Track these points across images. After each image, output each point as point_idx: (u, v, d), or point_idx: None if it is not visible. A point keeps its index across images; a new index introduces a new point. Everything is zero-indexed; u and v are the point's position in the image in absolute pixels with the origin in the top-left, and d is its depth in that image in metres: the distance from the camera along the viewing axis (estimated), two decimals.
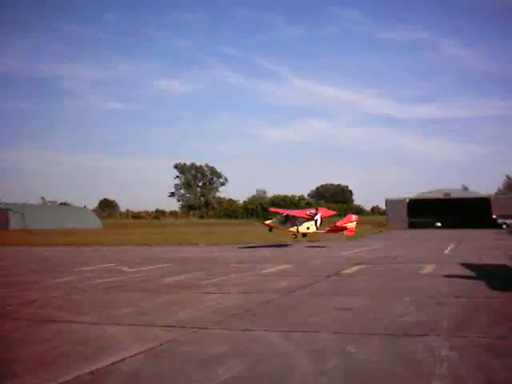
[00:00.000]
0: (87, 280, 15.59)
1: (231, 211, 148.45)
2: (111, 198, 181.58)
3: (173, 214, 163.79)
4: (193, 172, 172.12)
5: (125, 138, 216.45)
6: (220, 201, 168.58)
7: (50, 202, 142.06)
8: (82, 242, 39.25)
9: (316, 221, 31.04)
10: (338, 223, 32.03)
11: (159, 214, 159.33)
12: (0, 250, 33.78)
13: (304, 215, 31.70)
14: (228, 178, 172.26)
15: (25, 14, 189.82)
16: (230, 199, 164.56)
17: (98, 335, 8.23)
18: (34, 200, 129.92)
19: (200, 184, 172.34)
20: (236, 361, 6.68)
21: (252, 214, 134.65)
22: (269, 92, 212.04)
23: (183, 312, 9.99)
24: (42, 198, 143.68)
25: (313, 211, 31.86)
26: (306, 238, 32.94)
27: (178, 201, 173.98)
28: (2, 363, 6.78)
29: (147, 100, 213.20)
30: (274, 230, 33.17)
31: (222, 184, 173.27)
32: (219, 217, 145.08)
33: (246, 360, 6.72)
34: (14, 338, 8.21)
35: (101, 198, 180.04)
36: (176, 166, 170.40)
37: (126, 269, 18.83)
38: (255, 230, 54.66)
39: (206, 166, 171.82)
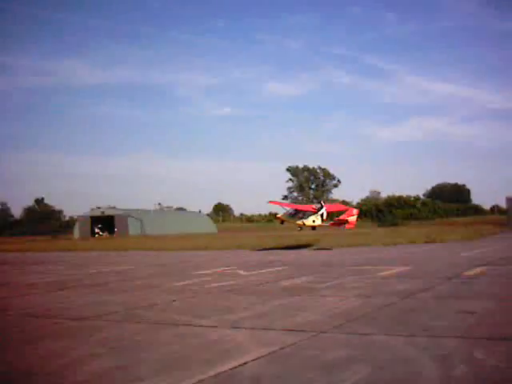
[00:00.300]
0: (204, 284, 15.80)
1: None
2: (225, 202, 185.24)
3: None
4: (305, 174, 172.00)
5: (237, 143, 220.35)
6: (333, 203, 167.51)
7: (167, 207, 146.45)
8: (198, 246, 40.12)
9: (322, 214, 32.36)
10: (341, 217, 33.11)
11: (272, 217, 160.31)
12: (121, 254, 35.14)
13: (310, 209, 33.28)
14: (341, 179, 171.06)
15: (140, 25, 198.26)
16: (344, 201, 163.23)
17: (218, 339, 8.28)
18: (152, 206, 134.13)
19: (313, 186, 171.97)
20: (358, 366, 6.51)
21: (366, 216, 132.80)
22: (380, 91, 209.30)
23: (301, 315, 9.90)
24: (159, 204, 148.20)
25: (318, 205, 33.24)
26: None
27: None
28: (125, 366, 6.93)
29: (259, 104, 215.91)
30: (285, 223, 34.53)
31: (335, 186, 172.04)
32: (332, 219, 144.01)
33: (368, 365, 6.53)
34: (137, 341, 8.41)
35: (215, 202, 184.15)
36: (288, 169, 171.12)
37: (242, 272, 18.99)
38: (371, 231, 53.97)
39: (319, 167, 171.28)
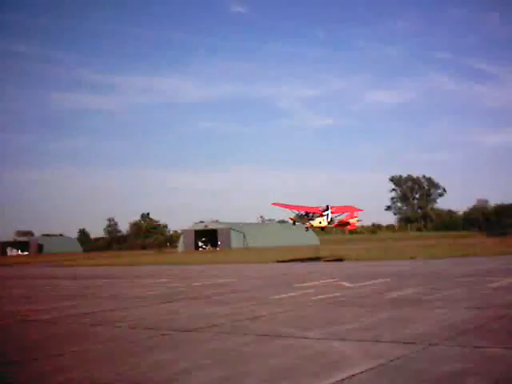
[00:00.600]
0: (309, 296, 15.68)
1: (450, 223, 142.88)
2: None
3: (390, 227, 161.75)
4: (409, 184, 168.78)
5: (338, 153, 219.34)
6: (438, 212, 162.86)
7: (269, 220, 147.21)
8: (299, 257, 40.02)
9: (327, 216, 33.64)
10: (344, 219, 34.21)
11: (376, 228, 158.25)
12: (224, 267, 35.54)
13: (317, 211, 34.23)
14: (446, 188, 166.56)
15: (242, 40, 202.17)
16: (449, 210, 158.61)
17: (325, 351, 8.15)
18: (254, 219, 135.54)
19: (417, 196, 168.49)
20: (473, 379, 6.23)
21: (473, 225, 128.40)
22: (486, 95, 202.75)
23: (410, 328, 9.61)
24: (261, 217, 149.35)
25: (324, 207, 34.17)
26: None
27: (395, 214, 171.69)
28: (233, 378, 6.93)
29: (359, 113, 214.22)
30: (296, 223, 36.10)
31: (441, 195, 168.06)
32: (438, 229, 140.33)
33: (484, 379, 6.23)
34: (244, 352, 8.40)
35: None
36: (392, 179, 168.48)
37: (346, 284, 18.72)
38: (478, 241, 52.08)
39: (423, 177, 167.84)
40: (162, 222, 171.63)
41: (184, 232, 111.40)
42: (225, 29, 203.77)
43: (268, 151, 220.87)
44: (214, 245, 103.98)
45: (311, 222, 33.90)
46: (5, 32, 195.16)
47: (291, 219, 35.72)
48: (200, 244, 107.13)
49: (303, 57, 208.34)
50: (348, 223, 34.07)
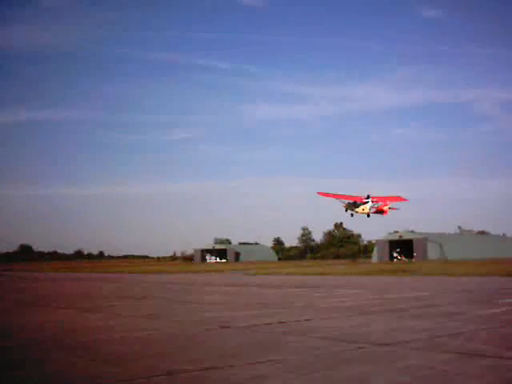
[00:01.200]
0: None
1: None
2: None
3: None
4: None
5: None
6: None
7: (468, 231, 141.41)
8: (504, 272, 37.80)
9: (368, 203, 39.11)
10: (378, 207, 39.15)
11: None
12: (419, 279, 34.44)
13: (359, 200, 39.68)
14: None
15: (434, 46, 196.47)
16: None
17: None
18: (452, 229, 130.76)
19: None
20: None
21: None
22: None
23: None
24: (459, 228, 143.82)
25: (365, 196, 39.57)
26: None
27: None
28: None
29: None
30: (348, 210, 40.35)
31: None
32: None
33: None
34: (444, 371, 7.92)
35: None
36: None
37: None
38: None
39: None
40: (356, 231, 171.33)
41: (378, 242, 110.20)
42: (415, 35, 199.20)
43: (465, 158, 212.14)
44: (409, 256, 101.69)
45: (356, 209, 39.50)
46: (203, 48, 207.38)
47: (344, 207, 40.32)
48: (395, 255, 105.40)
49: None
50: (383, 211, 39.06)
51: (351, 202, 39.90)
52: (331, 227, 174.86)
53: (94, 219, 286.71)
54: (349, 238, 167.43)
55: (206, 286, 32.99)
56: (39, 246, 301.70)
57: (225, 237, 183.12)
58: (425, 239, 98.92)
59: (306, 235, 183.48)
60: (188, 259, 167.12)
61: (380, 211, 39.19)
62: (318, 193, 40.97)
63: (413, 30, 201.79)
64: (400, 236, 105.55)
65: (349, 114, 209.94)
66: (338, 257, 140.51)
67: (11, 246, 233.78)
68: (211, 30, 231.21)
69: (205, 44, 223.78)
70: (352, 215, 40.28)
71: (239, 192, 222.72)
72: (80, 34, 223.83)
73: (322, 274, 47.93)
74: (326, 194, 40.89)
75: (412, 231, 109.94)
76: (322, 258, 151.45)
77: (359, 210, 39.27)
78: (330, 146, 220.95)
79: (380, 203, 39.27)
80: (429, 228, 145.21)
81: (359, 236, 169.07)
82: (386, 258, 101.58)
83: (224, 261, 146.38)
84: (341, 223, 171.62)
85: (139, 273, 64.01)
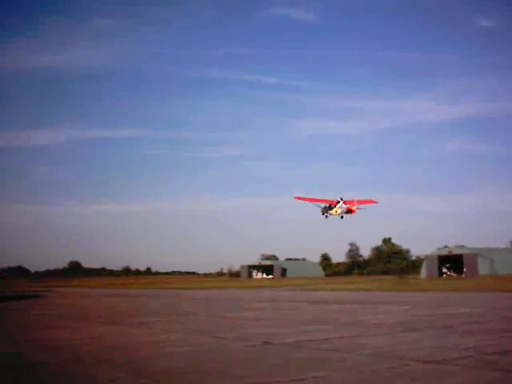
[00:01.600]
0: None
1: None
2: None
3: None
4: None
5: None
6: None
7: None
8: None
9: (339, 205, 42.55)
10: (349, 208, 42.71)
11: None
12: (467, 295, 33.74)
13: (333, 203, 42.91)
14: None
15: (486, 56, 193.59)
16: None
17: None
18: (503, 244, 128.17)
19: None
20: None
21: None
22: None
23: None
24: (511, 242, 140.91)
25: (338, 199, 43.11)
26: None
27: None
28: None
29: None
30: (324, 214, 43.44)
31: None
32: None
33: None
34: None
35: None
36: None
37: None
38: None
39: None
40: (405, 246, 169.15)
41: (427, 257, 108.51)
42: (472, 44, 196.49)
43: None
44: (459, 271, 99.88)
45: (330, 211, 42.81)
46: (252, 63, 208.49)
47: (321, 211, 43.48)
48: (444, 270, 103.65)
49: None
50: (351, 210, 42.81)
51: (327, 205, 43.44)
52: (379, 242, 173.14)
53: (142, 235, 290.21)
54: (397, 253, 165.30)
55: (251, 302, 32.93)
56: (88, 262, 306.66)
57: (272, 253, 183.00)
58: (475, 254, 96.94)
59: (353, 251, 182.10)
60: (234, 275, 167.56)
61: (349, 211, 43.07)
62: (296, 197, 44.94)
63: (463, 43, 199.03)
64: (450, 251, 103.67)
65: (399, 128, 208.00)
66: (385, 273, 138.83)
67: (61, 263, 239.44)
68: (261, 45, 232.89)
69: (254, 59, 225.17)
70: (326, 217, 43.43)
71: (286, 207, 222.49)
72: (129, 53, 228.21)
73: (367, 290, 47.39)
74: (303, 199, 44.91)
75: (462, 246, 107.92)
76: (369, 273, 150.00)
77: (333, 212, 42.95)
78: (380, 161, 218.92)
79: (349, 205, 42.86)
80: (479, 243, 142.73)
81: (408, 251, 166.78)
82: (435, 274, 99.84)
83: (270, 277, 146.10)
84: (389, 238, 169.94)
85: (188, 289, 64.36)
